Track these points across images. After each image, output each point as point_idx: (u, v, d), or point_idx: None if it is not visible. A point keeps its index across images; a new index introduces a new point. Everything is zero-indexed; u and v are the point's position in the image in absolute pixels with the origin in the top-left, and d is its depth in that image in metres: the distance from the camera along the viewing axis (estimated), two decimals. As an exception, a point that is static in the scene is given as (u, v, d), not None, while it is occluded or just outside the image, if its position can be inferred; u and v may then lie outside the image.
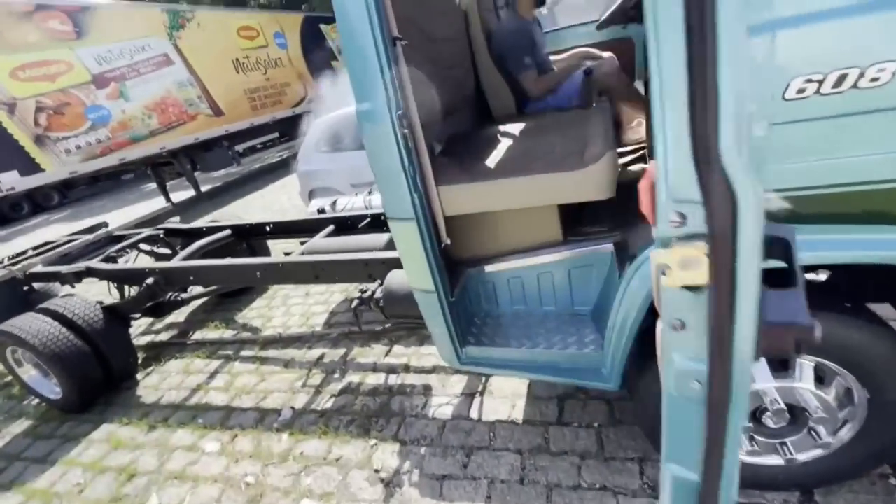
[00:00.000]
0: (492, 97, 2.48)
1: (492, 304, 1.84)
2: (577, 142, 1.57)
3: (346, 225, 2.98)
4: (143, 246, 3.78)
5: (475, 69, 2.35)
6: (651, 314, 1.34)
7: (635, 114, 2.36)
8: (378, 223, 2.87)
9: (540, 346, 1.65)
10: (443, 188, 1.53)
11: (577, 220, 1.75)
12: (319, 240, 2.72)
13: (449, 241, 1.57)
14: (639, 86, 2.77)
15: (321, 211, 3.19)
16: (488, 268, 1.77)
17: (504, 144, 1.74)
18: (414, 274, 1.58)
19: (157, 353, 3.40)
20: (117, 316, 2.93)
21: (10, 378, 3.20)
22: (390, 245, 2.41)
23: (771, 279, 0.63)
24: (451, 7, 2.10)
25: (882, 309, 1.27)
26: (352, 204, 3.14)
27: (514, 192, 1.50)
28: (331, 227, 2.99)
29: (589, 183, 1.41)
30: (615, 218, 1.69)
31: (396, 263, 2.14)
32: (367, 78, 1.28)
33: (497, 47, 2.35)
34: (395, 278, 2.07)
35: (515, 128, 2.02)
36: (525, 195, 1.50)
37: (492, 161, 1.63)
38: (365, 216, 2.97)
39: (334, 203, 3.21)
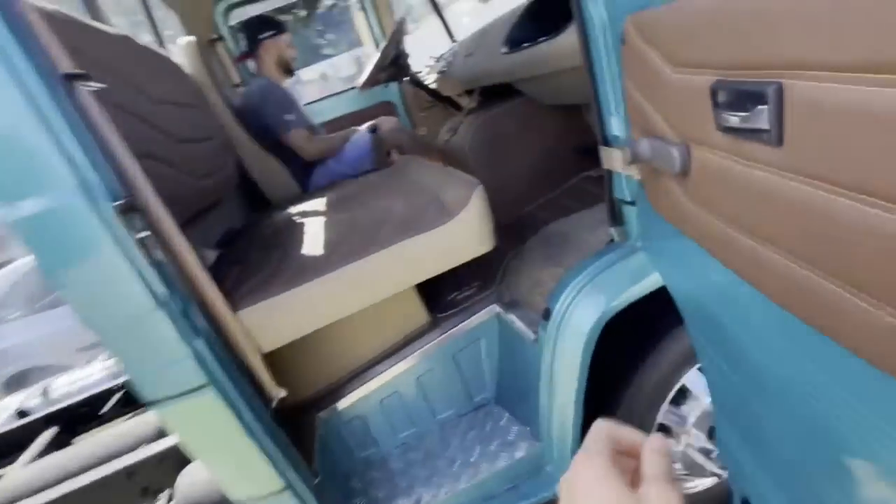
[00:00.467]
0: (264, 182, 1.95)
1: (370, 448, 1.24)
2: (417, 195, 1.20)
3: (77, 419, 1.86)
4: None
5: (237, 151, 1.80)
6: (593, 374, 1.03)
7: (436, 163, 2.22)
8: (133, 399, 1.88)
9: (462, 478, 1.15)
10: (246, 313, 0.93)
11: (436, 292, 1.36)
12: (33, 460, 1.57)
13: (284, 393, 0.95)
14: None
15: (23, 414, 1.94)
16: (346, 401, 1.19)
17: (315, 228, 1.25)
18: (234, 475, 0.88)
19: None
20: None
21: None
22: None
23: None
24: (172, 68, 1.52)
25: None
26: (79, 383, 2.01)
27: (360, 282, 1.01)
28: (51, 432, 1.82)
29: (466, 235, 1.05)
30: (479, 268, 1.37)
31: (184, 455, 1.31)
32: (23, 151, 0.63)
33: (252, 115, 1.87)
34: (191, 480, 1.24)
35: (314, 206, 1.55)
36: (378, 282, 1.03)
37: (312, 252, 1.11)
38: (111, 391, 1.92)
39: (45, 392, 2.01)
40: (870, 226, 0.34)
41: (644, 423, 1.11)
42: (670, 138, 0.61)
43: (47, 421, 1.85)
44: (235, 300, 0.93)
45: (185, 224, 0.90)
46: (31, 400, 2.01)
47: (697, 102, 0.50)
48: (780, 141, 0.41)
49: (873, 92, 0.31)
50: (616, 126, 0.88)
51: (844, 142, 0.35)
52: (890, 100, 0.30)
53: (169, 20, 2.18)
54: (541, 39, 1.31)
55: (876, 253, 0.34)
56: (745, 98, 0.43)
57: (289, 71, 2.11)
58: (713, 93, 0.48)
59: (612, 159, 0.88)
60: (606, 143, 0.90)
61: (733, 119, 0.45)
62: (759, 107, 0.41)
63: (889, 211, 0.32)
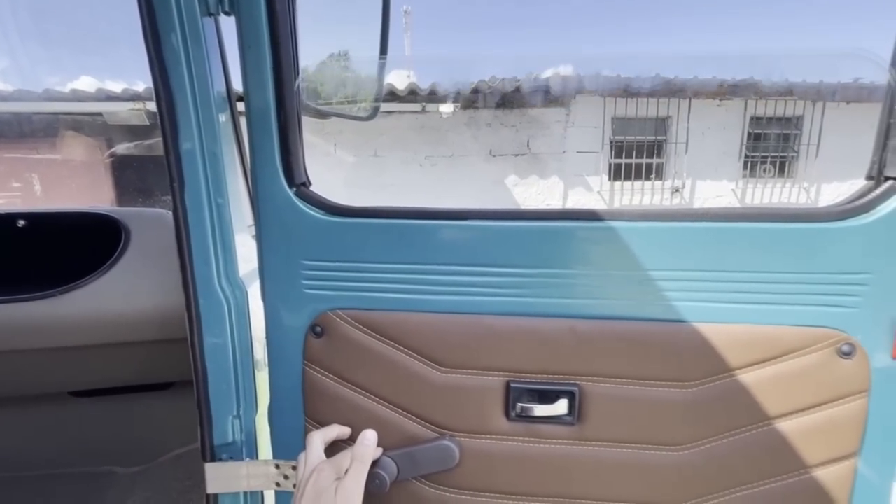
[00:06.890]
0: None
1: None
2: None
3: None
4: None
5: None
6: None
7: None
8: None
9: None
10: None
11: None
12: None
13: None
14: None
15: None
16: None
17: None
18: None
19: None
20: None
21: None
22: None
23: None
24: None
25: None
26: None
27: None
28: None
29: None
30: None
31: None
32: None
33: None
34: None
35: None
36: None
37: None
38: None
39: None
40: (648, 461, 0.66)
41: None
42: (429, 436, 0.68)
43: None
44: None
45: None
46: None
47: (484, 399, 0.66)
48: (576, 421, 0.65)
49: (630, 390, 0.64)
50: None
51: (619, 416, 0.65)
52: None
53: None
54: None
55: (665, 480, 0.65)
56: (545, 395, 0.65)
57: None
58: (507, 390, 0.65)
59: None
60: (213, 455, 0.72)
61: (532, 409, 0.65)
62: (561, 400, 0.65)
63: (657, 448, 0.65)
